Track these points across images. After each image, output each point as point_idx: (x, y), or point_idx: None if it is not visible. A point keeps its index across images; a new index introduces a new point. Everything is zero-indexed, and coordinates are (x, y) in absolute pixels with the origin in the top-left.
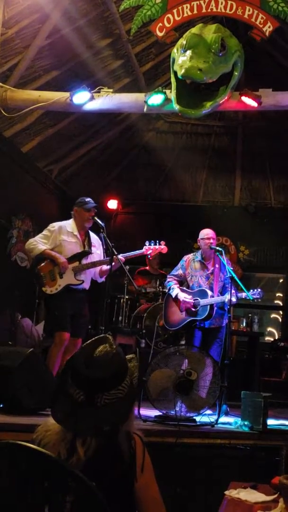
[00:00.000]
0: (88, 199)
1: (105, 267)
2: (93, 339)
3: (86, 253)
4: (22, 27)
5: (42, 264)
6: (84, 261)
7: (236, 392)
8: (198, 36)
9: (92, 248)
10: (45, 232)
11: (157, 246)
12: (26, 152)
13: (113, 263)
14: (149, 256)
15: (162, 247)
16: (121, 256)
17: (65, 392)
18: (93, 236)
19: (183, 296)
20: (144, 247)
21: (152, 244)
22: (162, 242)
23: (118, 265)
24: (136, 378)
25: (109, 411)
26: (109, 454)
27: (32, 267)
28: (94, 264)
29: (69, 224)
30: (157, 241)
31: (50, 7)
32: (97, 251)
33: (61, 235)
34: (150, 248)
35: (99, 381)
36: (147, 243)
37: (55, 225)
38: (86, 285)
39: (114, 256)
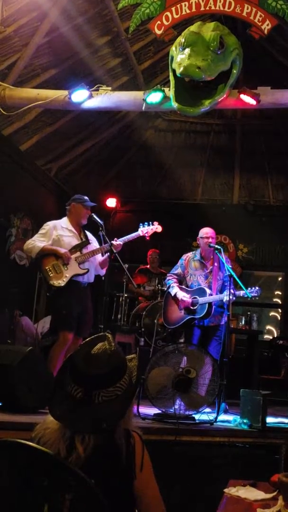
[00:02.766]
0: (86, 198)
1: (103, 257)
2: (92, 337)
3: (85, 243)
4: (20, 25)
5: (45, 260)
6: (84, 251)
7: (235, 390)
8: (197, 34)
9: (89, 241)
10: (40, 231)
11: (151, 227)
12: (24, 150)
13: (101, 260)
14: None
15: (156, 226)
16: (119, 242)
17: (64, 389)
18: (88, 233)
19: (181, 295)
20: (139, 229)
21: (146, 225)
22: (155, 222)
23: (106, 263)
24: (135, 377)
25: (106, 409)
26: (108, 452)
27: (36, 265)
28: (94, 252)
29: (64, 221)
30: (150, 222)
31: (49, 5)
32: (94, 244)
33: (57, 230)
34: (145, 229)
35: (97, 378)
36: (141, 225)
37: (49, 223)
38: (91, 277)
39: (113, 254)
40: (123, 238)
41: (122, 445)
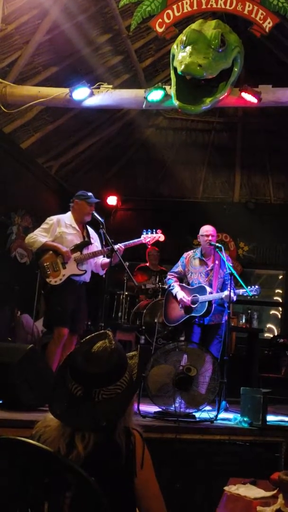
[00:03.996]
0: (90, 194)
1: (106, 259)
2: (93, 334)
3: (86, 243)
4: (21, 23)
5: (44, 256)
6: (85, 252)
7: (235, 388)
8: (198, 32)
9: (91, 240)
10: (43, 225)
11: (154, 235)
12: (25, 148)
13: (112, 258)
14: (147, 245)
15: (159, 235)
16: (120, 245)
17: (64, 386)
18: (90, 230)
19: (181, 295)
20: (142, 235)
21: (149, 232)
22: (159, 230)
23: (118, 260)
24: (135, 375)
25: (106, 407)
26: (108, 449)
27: (36, 260)
28: (94, 254)
29: (68, 217)
30: (154, 230)
31: (50, 3)
32: (96, 243)
33: (60, 227)
34: (147, 237)
35: (97, 376)
36: (144, 232)
37: (53, 218)
38: (87, 277)
39: (114, 252)
40: (124, 243)
41: (122, 443)
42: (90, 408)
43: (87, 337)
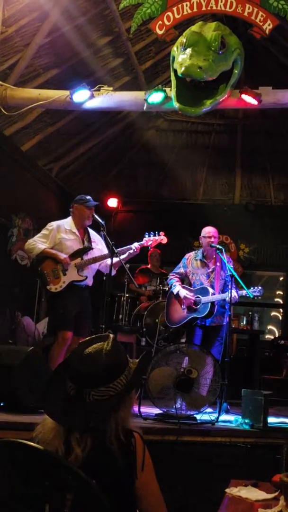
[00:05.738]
0: (88, 197)
1: (115, 259)
2: (93, 336)
3: (87, 249)
4: (21, 25)
5: (44, 263)
6: (85, 257)
7: (236, 390)
8: (198, 34)
9: (93, 244)
10: (43, 231)
11: (156, 237)
12: (26, 150)
13: (120, 258)
14: (149, 248)
15: (161, 237)
16: (132, 248)
17: (59, 386)
18: (92, 232)
19: (184, 293)
20: (144, 238)
21: (152, 235)
22: (162, 233)
23: (119, 264)
24: (132, 379)
25: (95, 408)
26: (108, 451)
27: (34, 267)
28: (95, 260)
29: (68, 222)
30: (156, 232)
31: (50, 5)
32: (98, 246)
33: (60, 233)
34: (150, 240)
35: (88, 376)
36: (146, 234)
37: (53, 224)
38: (89, 282)
39: (115, 255)
40: (124, 247)
41: (117, 445)
42: (81, 408)
43: (87, 338)
